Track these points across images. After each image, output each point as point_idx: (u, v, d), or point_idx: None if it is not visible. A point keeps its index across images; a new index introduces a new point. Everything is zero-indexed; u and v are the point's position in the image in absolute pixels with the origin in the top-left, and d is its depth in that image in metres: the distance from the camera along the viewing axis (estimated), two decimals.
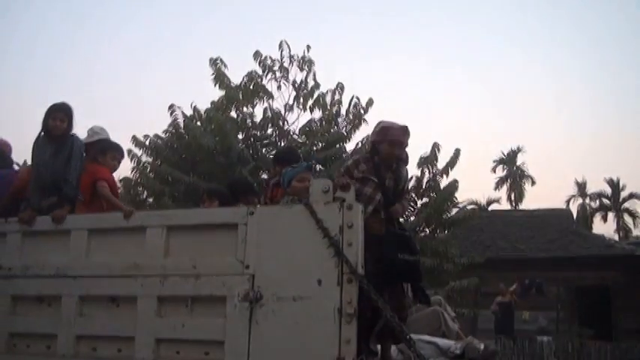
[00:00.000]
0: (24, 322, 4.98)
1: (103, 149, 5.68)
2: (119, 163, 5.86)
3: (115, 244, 4.73)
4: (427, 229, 12.28)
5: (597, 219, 40.98)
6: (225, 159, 11.58)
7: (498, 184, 43.44)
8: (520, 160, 43.74)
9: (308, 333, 3.95)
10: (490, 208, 28.26)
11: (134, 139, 12.32)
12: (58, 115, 5.31)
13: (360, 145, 12.63)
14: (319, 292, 3.96)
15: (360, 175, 4.61)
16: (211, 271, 4.29)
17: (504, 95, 72.68)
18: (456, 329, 5.60)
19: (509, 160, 43.90)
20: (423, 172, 12.22)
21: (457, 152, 12.40)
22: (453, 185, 12.23)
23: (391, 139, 4.74)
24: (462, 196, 13.16)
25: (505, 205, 39.47)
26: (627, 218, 41.30)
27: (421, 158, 12.05)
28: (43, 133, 5.38)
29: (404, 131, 4.79)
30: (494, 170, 44.18)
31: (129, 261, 4.57)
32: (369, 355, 4.20)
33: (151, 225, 4.62)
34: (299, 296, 4.00)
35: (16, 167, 6.54)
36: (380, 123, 4.91)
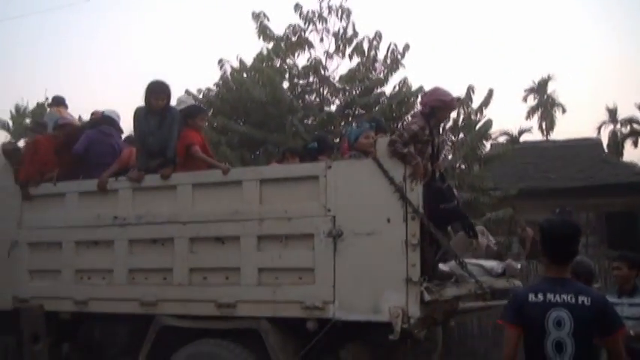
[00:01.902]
0: (140, 260, 6.16)
1: (193, 114, 6.65)
2: (206, 122, 6.89)
3: (217, 195, 5.80)
4: (463, 165, 13.13)
5: (628, 144, 41.10)
6: (275, 109, 12.39)
7: (529, 114, 43.57)
8: (551, 88, 43.70)
9: (381, 260, 5.02)
10: (522, 138, 28.67)
11: (187, 92, 13.03)
12: (160, 97, 6.31)
13: (397, 88, 13.27)
14: (388, 227, 5.02)
15: (425, 139, 5.48)
16: (300, 214, 5.36)
17: (534, 23, 71.55)
18: (486, 243, 6.62)
19: (539, 88, 43.83)
20: (458, 113, 12.93)
21: (490, 92, 13.02)
22: (488, 124, 12.97)
23: (451, 107, 5.72)
24: (494, 127, 13.76)
25: (536, 134, 39.78)
26: None
27: (457, 99, 12.64)
28: (145, 107, 6.37)
29: (456, 100, 5.77)
30: (525, 99, 44.21)
31: (230, 208, 5.66)
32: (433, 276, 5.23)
33: (246, 179, 5.69)
34: (372, 232, 5.07)
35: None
36: (438, 90, 5.76)
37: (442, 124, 5.82)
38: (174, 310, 5.83)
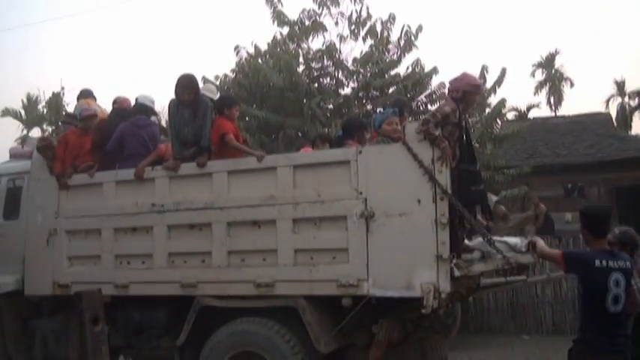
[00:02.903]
0: (179, 244, 6.46)
1: (230, 105, 6.93)
2: (238, 112, 7.18)
3: (252, 182, 6.09)
4: (477, 144, 13.29)
5: (637, 117, 40.97)
6: (292, 94, 12.54)
7: (537, 88, 43.52)
8: (558, 62, 43.59)
9: (412, 239, 5.30)
10: (530, 114, 28.67)
11: (204, 79, 13.03)
12: (186, 91, 6.62)
13: (410, 69, 13.40)
14: (419, 208, 5.30)
15: (455, 121, 5.70)
16: (333, 197, 5.65)
17: None
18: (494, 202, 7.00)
19: (547, 63, 43.71)
20: None
21: (503, 71, 13.23)
22: (501, 103, 13.12)
23: (480, 92, 5.97)
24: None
25: (545, 109, 39.78)
26: None
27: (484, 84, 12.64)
28: (176, 100, 6.67)
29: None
30: (533, 74, 44.11)
31: (265, 193, 5.95)
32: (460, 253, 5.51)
33: (280, 165, 5.98)
34: (403, 212, 5.36)
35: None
36: (467, 75, 5.99)
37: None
38: (214, 291, 6.14)
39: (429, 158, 5.29)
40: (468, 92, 5.83)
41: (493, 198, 6.86)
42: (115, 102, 8.11)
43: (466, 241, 6.06)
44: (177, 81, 6.67)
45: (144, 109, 7.43)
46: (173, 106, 6.69)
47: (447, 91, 5.92)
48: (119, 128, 7.16)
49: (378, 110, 7.16)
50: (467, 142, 5.92)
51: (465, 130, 5.92)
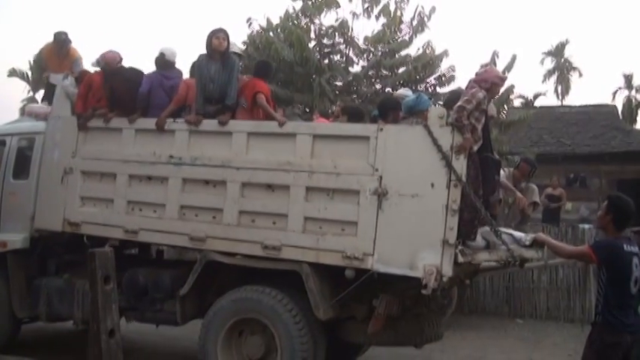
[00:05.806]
0: (192, 198, 6.59)
1: (273, 72, 7.10)
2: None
3: (271, 145, 6.19)
4: None
5: None
6: (302, 69, 12.51)
7: (546, 77, 43.41)
8: (568, 52, 43.40)
9: (421, 221, 5.45)
10: (536, 102, 28.69)
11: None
12: (220, 35, 6.62)
13: (420, 50, 13.28)
14: (432, 192, 5.43)
15: (484, 107, 5.81)
16: (348, 170, 5.77)
17: None
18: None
19: (557, 52, 43.53)
20: None
21: (513, 58, 13.08)
22: (509, 89, 13.05)
23: (503, 85, 6.16)
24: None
25: (551, 98, 39.80)
26: None
27: (481, 66, 12.68)
28: (206, 54, 6.68)
29: None
30: (542, 62, 43.95)
31: (282, 159, 6.07)
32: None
33: (300, 132, 6.08)
34: (416, 194, 5.49)
35: None
36: (494, 68, 6.37)
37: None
38: (221, 247, 6.29)
39: (448, 144, 5.38)
40: (495, 84, 5.99)
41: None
42: (104, 62, 7.52)
43: None
44: (210, 33, 6.66)
45: (169, 65, 7.36)
46: (201, 61, 6.70)
47: (473, 81, 6.00)
48: (148, 76, 7.18)
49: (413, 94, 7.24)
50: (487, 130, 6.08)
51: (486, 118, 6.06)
